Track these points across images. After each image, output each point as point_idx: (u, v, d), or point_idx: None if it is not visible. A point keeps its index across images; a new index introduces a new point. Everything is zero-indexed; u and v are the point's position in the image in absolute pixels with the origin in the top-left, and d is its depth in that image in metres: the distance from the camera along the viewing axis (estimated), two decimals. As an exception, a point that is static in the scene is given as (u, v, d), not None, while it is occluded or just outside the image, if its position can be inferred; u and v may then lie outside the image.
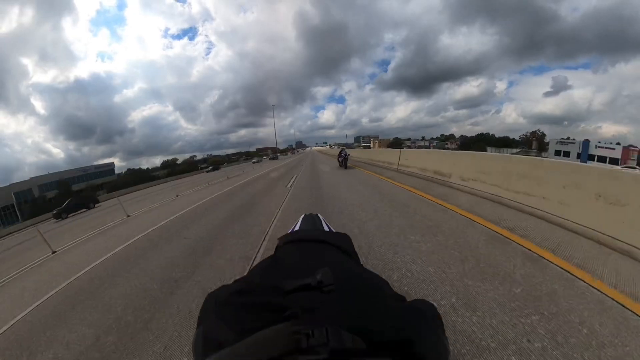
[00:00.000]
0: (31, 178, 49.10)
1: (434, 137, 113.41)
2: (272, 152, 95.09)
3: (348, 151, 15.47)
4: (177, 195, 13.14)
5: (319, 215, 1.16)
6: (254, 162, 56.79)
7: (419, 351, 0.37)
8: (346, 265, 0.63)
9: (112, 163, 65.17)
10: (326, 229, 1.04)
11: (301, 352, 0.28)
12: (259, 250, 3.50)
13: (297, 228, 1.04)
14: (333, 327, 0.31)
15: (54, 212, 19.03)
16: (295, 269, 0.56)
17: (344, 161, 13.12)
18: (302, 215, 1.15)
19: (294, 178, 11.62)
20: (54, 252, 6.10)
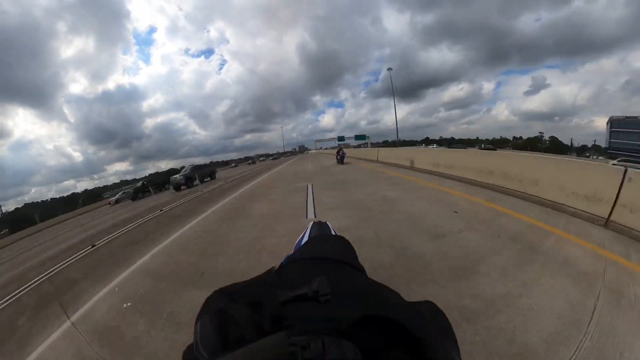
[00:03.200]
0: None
1: (430, 137, 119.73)
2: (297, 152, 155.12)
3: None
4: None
5: (328, 223, 1.14)
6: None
7: (429, 356, 0.34)
8: (349, 275, 0.62)
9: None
10: None
11: None
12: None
13: (306, 236, 1.00)
14: (330, 338, 0.30)
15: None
16: (293, 280, 0.54)
17: (341, 159, 15.00)
18: (311, 223, 1.13)
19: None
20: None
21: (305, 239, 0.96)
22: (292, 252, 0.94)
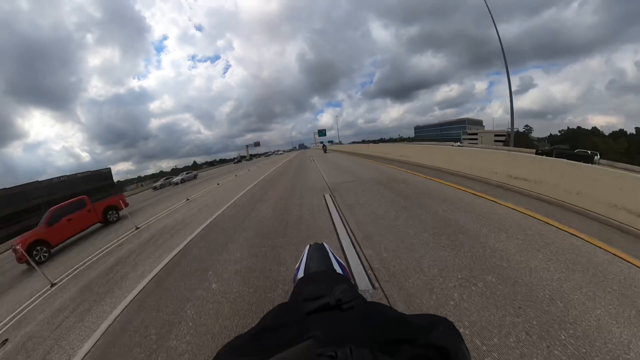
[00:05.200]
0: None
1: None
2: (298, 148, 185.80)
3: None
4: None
5: (325, 244, 1.14)
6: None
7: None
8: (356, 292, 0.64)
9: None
10: (332, 259, 1.01)
11: None
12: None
13: (304, 260, 1.00)
14: (357, 347, 0.30)
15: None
16: (311, 292, 0.56)
17: (324, 151, 31.54)
18: (308, 246, 1.12)
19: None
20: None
21: (304, 262, 0.97)
22: (293, 273, 0.94)
